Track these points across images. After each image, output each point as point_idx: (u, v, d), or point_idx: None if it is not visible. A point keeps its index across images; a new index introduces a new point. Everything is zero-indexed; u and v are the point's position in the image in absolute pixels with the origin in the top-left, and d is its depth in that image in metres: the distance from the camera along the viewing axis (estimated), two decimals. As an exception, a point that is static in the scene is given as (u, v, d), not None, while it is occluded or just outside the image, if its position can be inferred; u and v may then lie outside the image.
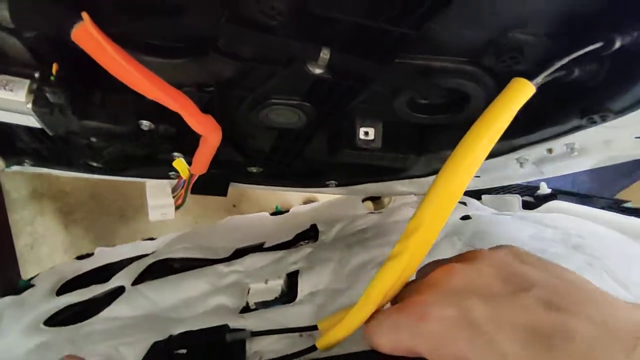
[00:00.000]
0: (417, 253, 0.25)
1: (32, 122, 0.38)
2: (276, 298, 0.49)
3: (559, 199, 0.62)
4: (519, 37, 0.27)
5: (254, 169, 0.61)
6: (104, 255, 0.72)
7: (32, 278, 0.68)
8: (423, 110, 0.38)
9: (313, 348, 0.31)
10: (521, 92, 0.23)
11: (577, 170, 0.48)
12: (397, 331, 0.23)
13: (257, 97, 0.38)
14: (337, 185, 0.64)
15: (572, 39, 0.25)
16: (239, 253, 0.66)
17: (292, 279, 0.53)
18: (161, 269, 0.65)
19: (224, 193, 0.68)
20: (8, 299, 0.61)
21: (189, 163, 0.49)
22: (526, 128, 0.35)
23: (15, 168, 0.57)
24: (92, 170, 0.60)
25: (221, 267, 0.59)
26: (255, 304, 0.49)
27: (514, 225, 0.53)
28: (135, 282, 0.61)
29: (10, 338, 0.51)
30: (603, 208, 0.56)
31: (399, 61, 0.31)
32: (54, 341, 0.49)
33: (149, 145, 0.47)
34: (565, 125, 0.32)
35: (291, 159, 0.55)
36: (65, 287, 0.64)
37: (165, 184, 0.41)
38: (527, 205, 0.64)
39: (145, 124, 0.40)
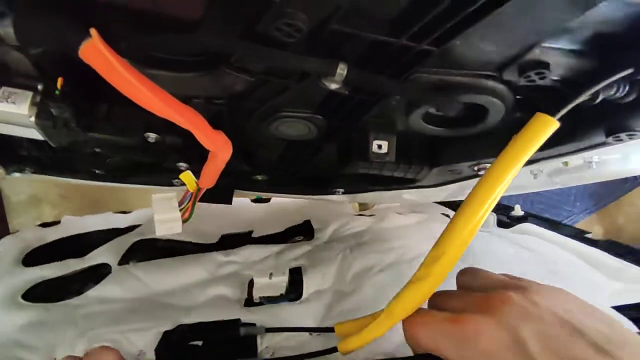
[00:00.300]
0: (439, 278, 0.26)
1: (35, 134, 0.37)
2: (282, 295, 0.50)
3: (530, 222, 0.65)
4: (547, 53, 0.26)
5: (259, 177, 0.60)
6: (71, 225, 0.68)
7: None
8: (438, 123, 0.37)
9: (334, 349, 0.33)
10: (544, 128, 0.22)
11: (591, 182, 0.47)
12: (445, 338, 0.25)
13: (267, 110, 0.37)
14: (344, 193, 0.63)
15: (604, 61, 0.24)
16: (227, 240, 0.65)
17: (294, 275, 0.53)
18: (146, 248, 0.62)
19: (229, 201, 0.67)
20: None
21: (195, 172, 0.48)
22: (546, 144, 0.34)
23: (16, 175, 0.56)
24: (95, 177, 0.59)
25: (218, 256, 0.58)
26: (261, 298, 0.49)
27: (494, 243, 0.56)
28: (121, 262, 0.58)
29: None
30: (568, 236, 0.59)
31: (417, 76, 0.30)
32: (50, 320, 0.47)
33: (155, 156, 0.46)
34: (589, 141, 0.31)
35: (298, 168, 0.54)
36: (32, 257, 0.60)
37: (172, 197, 0.40)
38: (500, 223, 0.67)
39: (152, 137, 0.38)
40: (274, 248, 0.61)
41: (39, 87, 0.34)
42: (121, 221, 0.71)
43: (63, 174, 0.58)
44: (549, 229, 0.62)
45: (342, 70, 0.27)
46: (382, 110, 0.37)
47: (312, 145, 0.47)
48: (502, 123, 0.35)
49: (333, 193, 0.63)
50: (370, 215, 0.74)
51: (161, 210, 0.39)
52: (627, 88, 0.25)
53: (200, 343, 0.38)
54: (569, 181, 0.48)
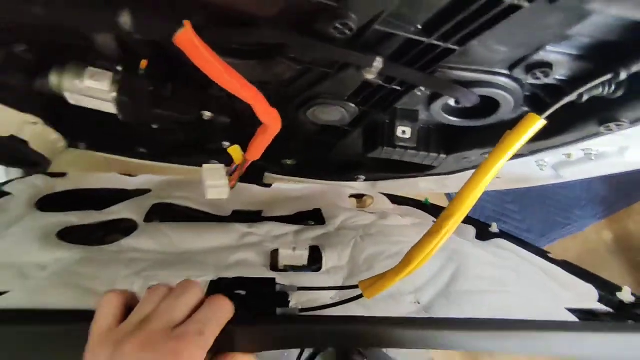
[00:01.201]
0: (449, 232, 0.32)
1: (108, 108, 0.43)
2: (304, 265, 0.57)
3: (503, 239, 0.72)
4: (550, 55, 0.31)
5: (288, 162, 0.66)
6: (77, 179, 0.71)
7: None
8: (456, 114, 0.43)
9: (360, 296, 0.39)
10: (532, 125, 0.28)
11: (595, 175, 0.52)
12: None
13: (308, 95, 0.42)
14: (365, 180, 0.69)
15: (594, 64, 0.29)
16: (239, 215, 0.71)
17: (314, 252, 0.59)
18: (166, 211, 0.67)
19: (260, 182, 0.73)
20: None
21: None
22: (546, 133, 0.39)
23: (70, 150, 0.62)
24: (140, 156, 0.66)
25: (241, 227, 0.64)
26: (285, 266, 0.56)
27: (476, 249, 0.62)
28: (146, 220, 0.63)
29: (26, 247, 0.51)
30: (534, 253, 0.67)
31: (441, 71, 0.35)
32: (99, 259, 0.52)
33: (205, 132, 0.52)
34: (584, 131, 0.36)
35: (327, 153, 0.60)
36: (46, 203, 0.63)
37: (220, 168, 0.46)
38: (479, 237, 0.75)
39: (207, 114, 0.45)
40: (291, 227, 0.67)
41: (119, 68, 0.41)
42: (127, 183, 0.74)
43: (112, 151, 0.64)
44: (519, 246, 0.70)
45: (378, 63, 0.33)
46: (408, 100, 0.42)
47: (342, 131, 0.52)
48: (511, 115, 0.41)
49: (355, 180, 0.69)
50: (371, 213, 0.80)
51: (212, 178, 0.45)
52: (613, 88, 0.30)
53: (243, 293, 0.45)
54: (574, 174, 0.53)
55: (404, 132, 0.43)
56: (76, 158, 0.64)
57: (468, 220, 0.80)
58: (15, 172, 0.80)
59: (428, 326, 0.39)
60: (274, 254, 0.59)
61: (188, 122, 0.46)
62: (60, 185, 0.70)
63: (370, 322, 0.39)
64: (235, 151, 0.44)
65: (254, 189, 0.83)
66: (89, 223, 0.61)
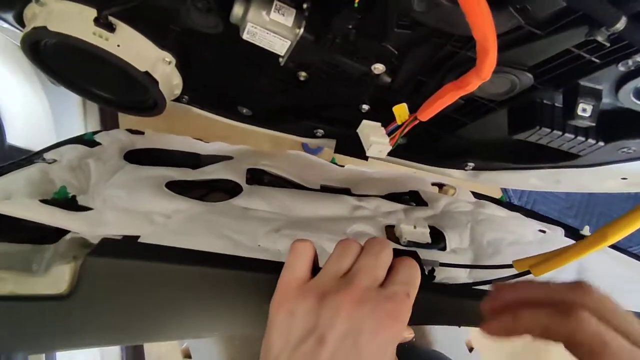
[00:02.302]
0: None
1: (281, 47, 0.41)
2: (428, 243, 0.55)
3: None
4: None
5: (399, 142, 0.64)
6: (154, 138, 0.71)
7: (90, 132, 0.66)
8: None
9: (527, 272, 0.39)
10: None
11: None
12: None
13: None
14: (473, 169, 0.67)
15: None
16: (327, 189, 0.69)
17: (433, 232, 0.58)
18: (261, 178, 0.66)
19: (364, 157, 0.71)
20: (82, 148, 0.58)
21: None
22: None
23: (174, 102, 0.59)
24: (241, 118, 0.64)
25: (351, 200, 0.63)
26: (409, 242, 0.54)
27: None
28: (249, 183, 0.62)
29: (141, 195, 0.50)
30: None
31: None
32: (227, 212, 0.51)
33: (366, 89, 0.49)
34: None
35: (447, 133, 0.58)
36: (131, 158, 0.63)
37: (378, 125, 0.44)
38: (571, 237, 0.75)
39: (379, 68, 0.42)
40: (399, 205, 0.65)
41: (304, 5, 0.39)
42: (201, 148, 0.73)
43: (212, 108, 0.62)
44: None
45: (621, 24, 0.31)
46: (597, 76, 0.40)
47: (484, 109, 0.50)
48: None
49: (463, 168, 0.66)
50: (469, 202, 0.78)
51: (374, 134, 0.43)
52: None
53: None
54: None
55: (584, 109, 0.41)
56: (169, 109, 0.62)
57: (553, 221, 0.79)
58: (92, 121, 0.78)
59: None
60: (389, 229, 0.57)
61: (358, 73, 0.44)
62: (140, 142, 0.69)
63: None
64: (401, 109, 0.42)
65: (332, 166, 0.81)
66: (191, 179, 0.59)
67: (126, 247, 0.30)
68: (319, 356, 0.25)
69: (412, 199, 0.73)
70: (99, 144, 0.64)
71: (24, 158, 0.52)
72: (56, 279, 0.28)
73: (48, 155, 0.54)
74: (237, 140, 0.80)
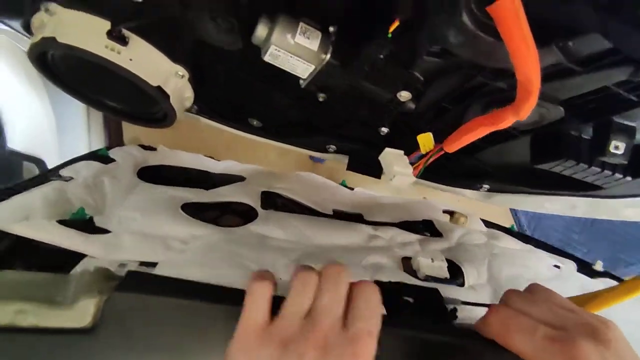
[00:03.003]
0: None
1: (304, 71, 0.39)
2: (446, 278, 0.53)
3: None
4: None
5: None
6: (166, 154, 0.70)
7: (104, 148, 0.65)
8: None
9: None
10: None
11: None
12: (547, 354, 0.27)
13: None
14: (488, 190, 0.65)
15: None
16: (340, 215, 0.68)
17: (450, 265, 0.57)
18: (275, 202, 0.65)
19: (378, 176, 0.69)
20: (97, 164, 0.57)
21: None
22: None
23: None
24: (251, 130, 0.62)
25: (367, 229, 0.61)
26: (427, 276, 0.53)
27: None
28: (264, 207, 0.61)
29: (158, 218, 0.49)
30: None
31: None
32: (246, 241, 0.50)
33: (393, 115, 0.47)
34: None
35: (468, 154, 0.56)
36: (145, 175, 0.62)
37: (401, 154, 0.42)
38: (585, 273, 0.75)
39: (405, 95, 0.41)
40: (414, 236, 0.64)
41: (331, 29, 0.37)
42: (212, 165, 0.73)
43: (222, 119, 0.60)
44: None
45: None
46: (631, 114, 0.38)
47: (507, 135, 0.49)
48: None
49: (478, 189, 0.65)
50: (481, 233, 0.78)
51: (397, 164, 0.41)
52: None
53: (411, 300, 0.41)
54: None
55: (617, 147, 0.40)
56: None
57: (565, 254, 0.78)
58: (96, 136, 0.76)
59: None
60: (406, 260, 0.55)
61: (383, 100, 0.42)
62: (152, 159, 0.68)
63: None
64: (426, 138, 0.41)
65: (343, 190, 0.81)
66: (205, 202, 0.58)
67: (153, 283, 0.29)
68: None
69: (426, 228, 0.72)
70: (112, 160, 0.63)
71: (39, 175, 0.52)
72: (81, 312, 0.28)
73: (64, 172, 0.53)
74: (244, 147, 0.79)
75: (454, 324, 0.39)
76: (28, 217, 0.39)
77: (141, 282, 0.29)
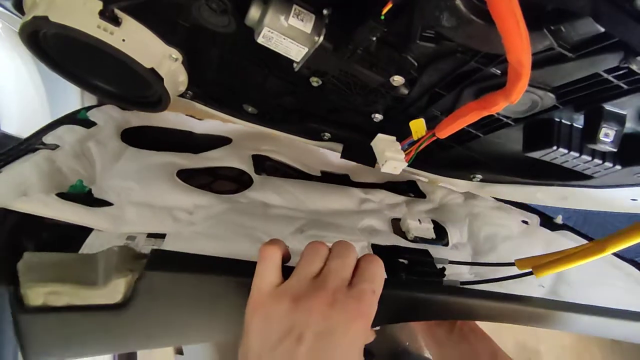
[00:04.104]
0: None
1: (297, 53, 0.39)
2: (433, 239, 0.58)
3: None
4: None
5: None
6: (147, 115, 0.66)
7: (83, 110, 0.59)
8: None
9: (531, 273, 0.41)
10: None
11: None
12: None
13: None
14: (480, 181, 0.65)
15: None
16: (328, 176, 0.71)
17: (435, 226, 0.61)
18: (267, 164, 0.66)
19: (372, 164, 0.69)
20: (79, 129, 0.53)
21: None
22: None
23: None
24: (245, 116, 0.62)
25: (358, 192, 0.64)
26: (415, 237, 0.57)
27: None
28: (257, 172, 0.62)
29: (157, 187, 0.48)
30: None
31: None
32: (249, 210, 0.51)
33: (385, 102, 0.47)
34: None
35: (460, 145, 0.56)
36: (130, 138, 0.60)
37: (393, 140, 0.42)
38: (545, 226, 0.79)
39: (398, 80, 0.41)
40: (401, 197, 0.68)
41: (325, 12, 0.37)
42: (195, 125, 0.70)
43: (217, 105, 0.60)
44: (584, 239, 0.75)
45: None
46: (623, 101, 0.39)
47: (499, 124, 0.49)
48: None
49: (470, 179, 0.65)
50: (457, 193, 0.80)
51: (389, 149, 0.41)
52: None
53: (405, 261, 0.44)
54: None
55: (607, 134, 0.40)
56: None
57: (530, 209, 0.81)
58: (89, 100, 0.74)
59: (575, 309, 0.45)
60: (395, 222, 0.59)
61: (376, 84, 0.42)
62: (134, 120, 0.65)
63: (535, 302, 0.44)
64: (418, 124, 0.41)
65: (329, 153, 0.81)
66: (198, 167, 0.59)
67: (180, 260, 0.32)
68: (298, 351, 0.27)
69: (410, 189, 0.75)
70: (93, 123, 0.59)
71: (22, 143, 0.48)
72: (113, 290, 0.30)
73: (47, 140, 0.50)
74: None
75: (443, 282, 0.42)
76: (26, 192, 0.38)
77: (168, 260, 0.31)
